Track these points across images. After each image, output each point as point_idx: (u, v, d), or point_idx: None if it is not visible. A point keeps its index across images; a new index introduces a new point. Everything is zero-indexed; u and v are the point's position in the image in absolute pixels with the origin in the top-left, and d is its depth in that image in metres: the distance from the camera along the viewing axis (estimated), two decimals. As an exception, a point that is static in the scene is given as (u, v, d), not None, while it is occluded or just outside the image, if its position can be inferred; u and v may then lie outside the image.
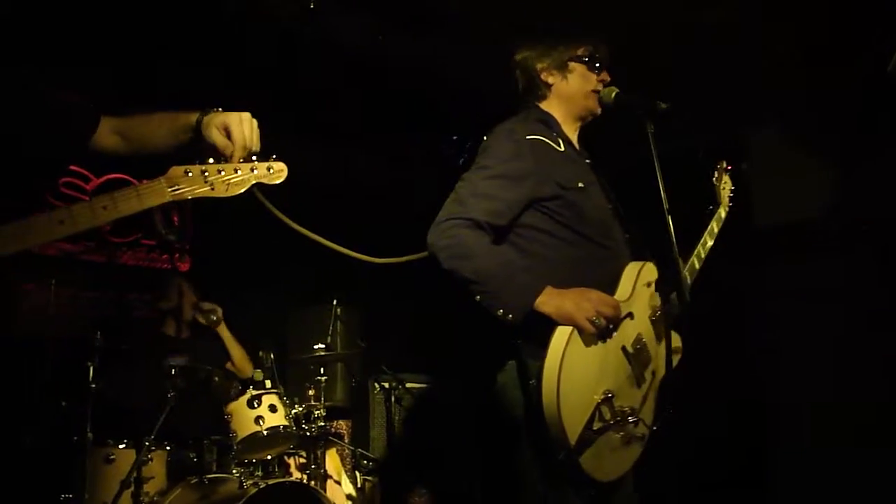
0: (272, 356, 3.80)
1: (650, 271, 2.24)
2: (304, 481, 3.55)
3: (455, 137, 5.11)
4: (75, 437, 3.25)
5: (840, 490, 3.90)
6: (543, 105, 2.37)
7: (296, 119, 4.40)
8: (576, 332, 1.98)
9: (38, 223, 1.49)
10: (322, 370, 3.94)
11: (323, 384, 3.92)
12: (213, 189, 1.61)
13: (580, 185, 2.22)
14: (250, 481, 3.27)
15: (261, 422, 3.41)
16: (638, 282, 2.20)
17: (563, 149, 2.26)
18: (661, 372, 2.21)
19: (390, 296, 4.70)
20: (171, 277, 4.21)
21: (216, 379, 3.57)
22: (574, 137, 2.38)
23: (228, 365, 3.98)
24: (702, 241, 2.55)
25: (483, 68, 3.22)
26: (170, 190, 1.58)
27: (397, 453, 4.54)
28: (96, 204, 1.53)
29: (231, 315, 4.01)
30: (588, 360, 2.02)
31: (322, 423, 3.71)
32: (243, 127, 1.66)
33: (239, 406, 3.47)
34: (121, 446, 3.34)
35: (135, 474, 3.16)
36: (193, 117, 1.70)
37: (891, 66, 2.71)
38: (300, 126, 4.37)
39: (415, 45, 3.96)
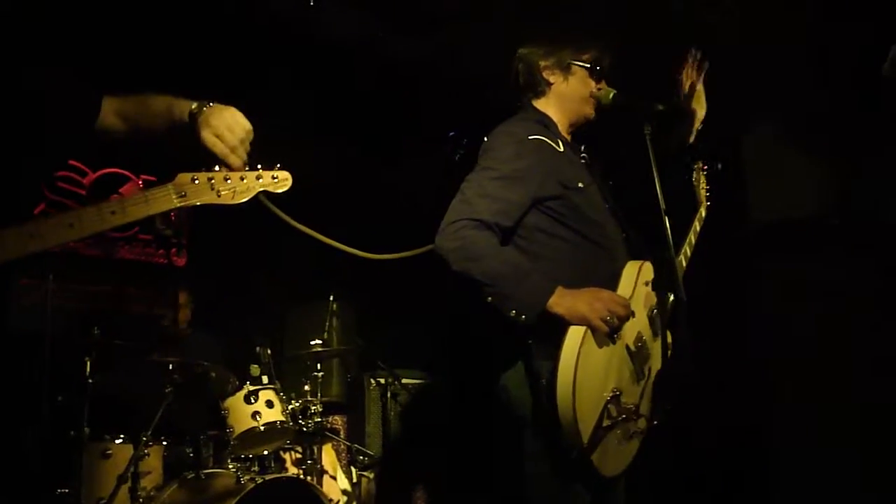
0: (269, 352, 3.80)
1: (648, 270, 2.27)
2: (301, 476, 3.56)
3: (452, 133, 5.11)
4: (72, 432, 3.25)
5: (840, 490, 3.91)
6: (540, 104, 2.38)
7: (295, 118, 4.40)
8: (589, 332, 2.00)
9: (48, 226, 1.51)
10: (318, 366, 3.94)
11: (319, 380, 3.92)
12: (219, 196, 1.64)
13: (580, 185, 2.24)
14: (247, 476, 3.28)
15: (257, 417, 3.42)
16: (638, 281, 2.22)
17: (562, 149, 2.28)
18: (657, 367, 2.24)
19: (387, 292, 4.70)
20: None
21: (213, 374, 3.57)
22: (569, 139, 2.39)
23: None
24: (687, 241, 2.58)
25: (482, 68, 3.22)
26: (177, 197, 1.60)
27: (393, 449, 4.55)
28: (105, 209, 1.55)
29: (228, 310, 4.01)
30: (599, 359, 2.04)
31: (318, 419, 3.71)
32: (234, 131, 1.65)
33: (236, 401, 3.48)
34: (118, 441, 3.35)
35: (132, 469, 3.16)
36: (187, 110, 1.69)
37: (886, 65, 2.72)
38: (300, 126, 4.37)
39: (414, 43, 3.96)
